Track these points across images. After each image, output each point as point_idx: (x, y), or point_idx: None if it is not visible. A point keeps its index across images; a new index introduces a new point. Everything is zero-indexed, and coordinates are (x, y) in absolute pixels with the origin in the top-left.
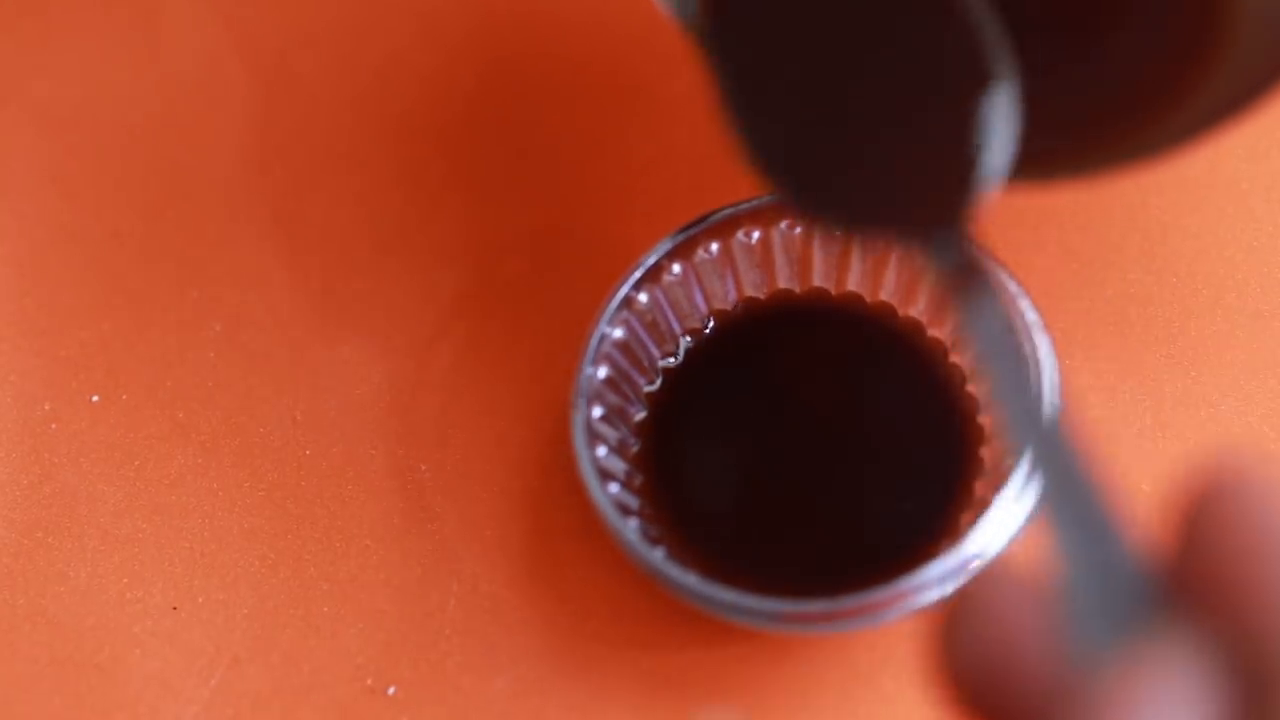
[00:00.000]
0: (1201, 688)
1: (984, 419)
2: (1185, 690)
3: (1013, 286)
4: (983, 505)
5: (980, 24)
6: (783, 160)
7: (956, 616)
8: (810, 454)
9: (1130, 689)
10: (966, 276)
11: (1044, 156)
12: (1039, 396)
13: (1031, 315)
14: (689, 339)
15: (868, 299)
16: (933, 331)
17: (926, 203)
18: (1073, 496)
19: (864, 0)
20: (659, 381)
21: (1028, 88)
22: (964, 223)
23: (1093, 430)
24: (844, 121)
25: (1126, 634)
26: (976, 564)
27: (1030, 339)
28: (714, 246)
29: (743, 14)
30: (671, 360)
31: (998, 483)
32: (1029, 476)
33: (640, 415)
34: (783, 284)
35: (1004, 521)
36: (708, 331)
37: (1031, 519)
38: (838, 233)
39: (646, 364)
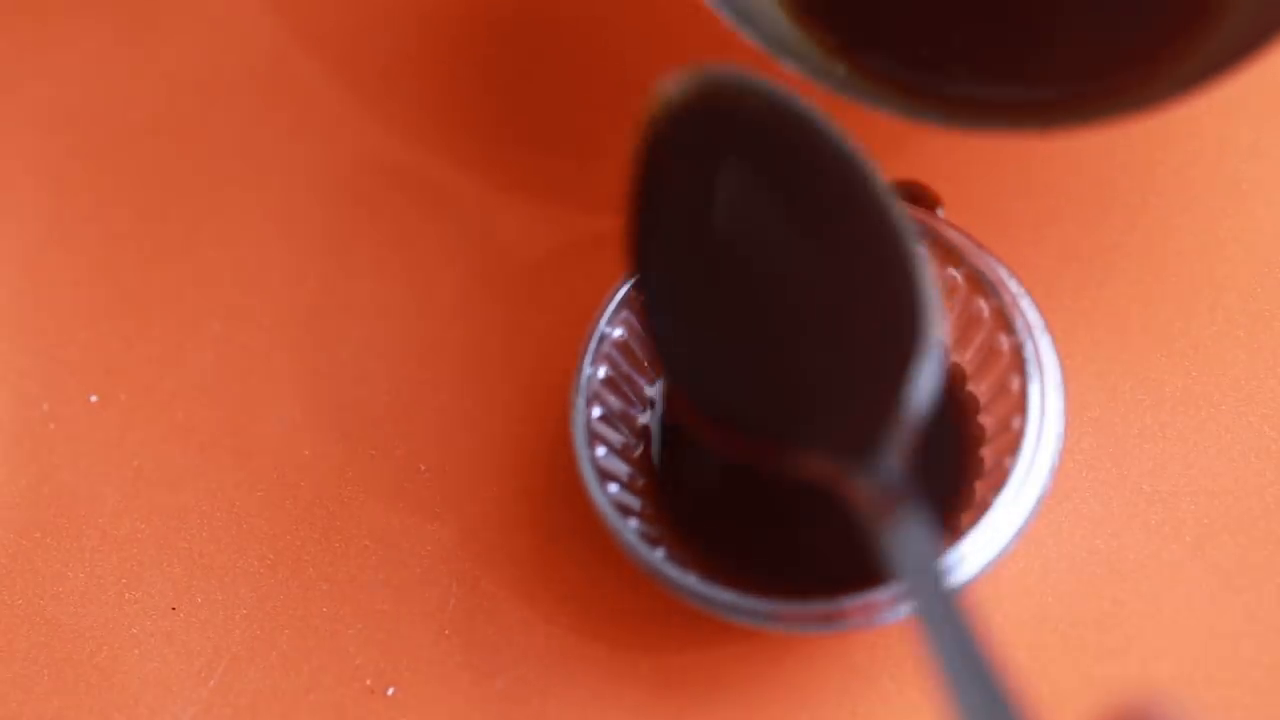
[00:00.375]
0: None
1: (984, 419)
2: None
3: (1015, 287)
4: (983, 506)
5: (912, 254)
6: (704, 383)
7: None
8: None
9: None
10: (890, 504)
11: (1044, 105)
12: (964, 628)
13: (1033, 316)
14: None
15: None
16: None
17: (848, 427)
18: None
19: (797, 229)
20: (659, 383)
21: (1031, 36)
22: (889, 450)
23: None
24: (770, 343)
25: None
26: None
27: (1032, 340)
28: None
29: (667, 227)
30: None
31: (998, 483)
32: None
33: (642, 417)
34: None
35: (1004, 522)
36: None
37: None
38: (756, 457)
39: (647, 364)
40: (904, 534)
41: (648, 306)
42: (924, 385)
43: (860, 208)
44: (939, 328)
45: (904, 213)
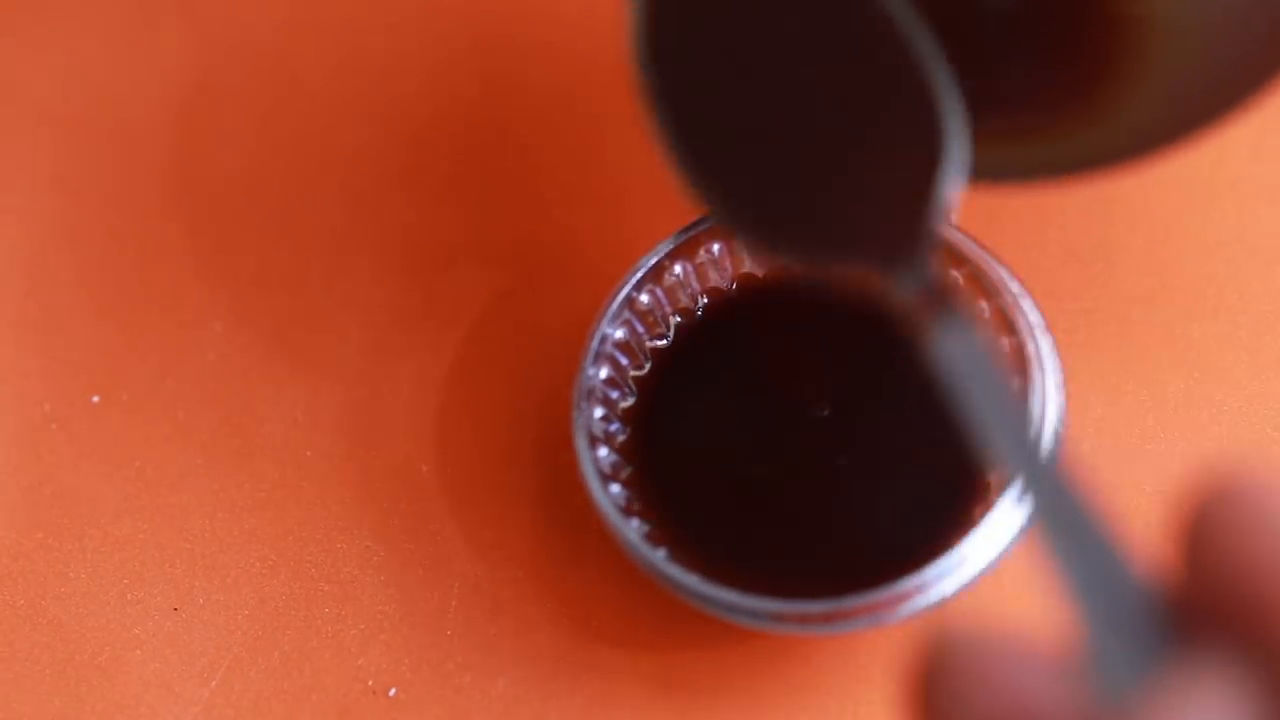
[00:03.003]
0: (1233, 709)
1: None
2: (1220, 713)
3: (1015, 287)
4: (991, 502)
5: (924, 51)
6: (732, 197)
7: (939, 689)
8: (811, 447)
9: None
10: (933, 302)
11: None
12: (1026, 419)
13: (1034, 316)
14: (679, 318)
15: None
16: None
17: (884, 231)
18: (1071, 526)
19: (808, 32)
20: (648, 366)
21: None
22: (925, 249)
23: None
24: (794, 153)
25: (1149, 665)
26: (983, 563)
27: (1034, 340)
28: (715, 247)
29: (681, 44)
30: (662, 341)
31: (1002, 482)
32: (1023, 508)
33: (629, 403)
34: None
35: (1005, 523)
36: (699, 313)
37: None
38: (796, 265)
39: (640, 354)
40: (950, 330)
41: (666, 124)
42: (951, 184)
43: (866, 19)
44: (960, 127)
45: (911, 16)
